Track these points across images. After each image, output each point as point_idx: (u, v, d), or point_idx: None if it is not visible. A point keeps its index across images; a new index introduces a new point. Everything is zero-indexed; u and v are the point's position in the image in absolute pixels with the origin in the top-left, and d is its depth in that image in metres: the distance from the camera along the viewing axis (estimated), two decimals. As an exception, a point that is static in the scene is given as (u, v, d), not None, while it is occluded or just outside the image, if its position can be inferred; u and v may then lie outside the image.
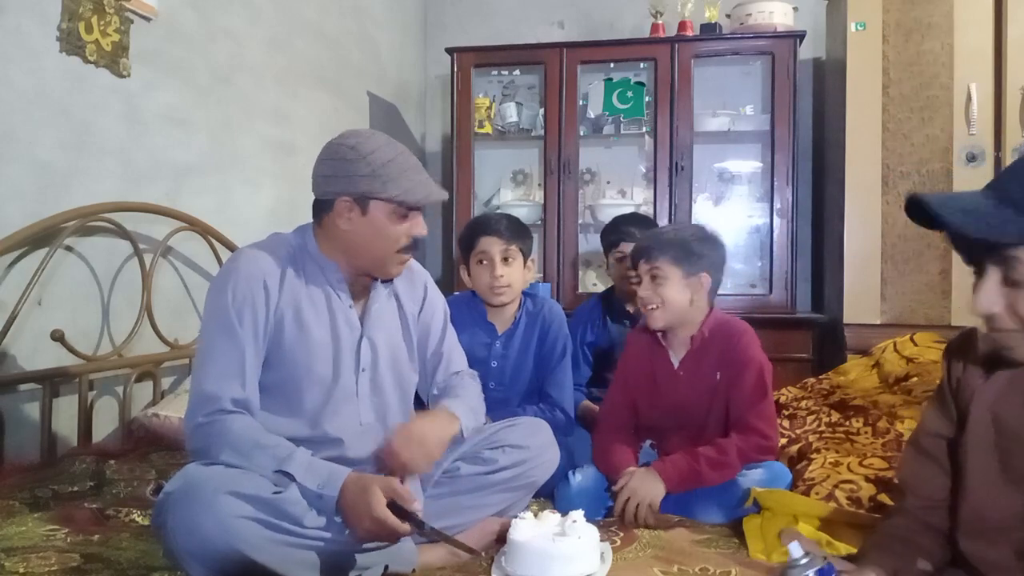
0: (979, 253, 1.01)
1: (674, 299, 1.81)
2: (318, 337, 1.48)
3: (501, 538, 1.52)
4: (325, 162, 1.47)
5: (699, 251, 1.83)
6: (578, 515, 1.36)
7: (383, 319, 1.59)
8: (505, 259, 2.09)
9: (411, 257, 1.56)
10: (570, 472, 1.85)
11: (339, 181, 1.44)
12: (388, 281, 1.61)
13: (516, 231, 2.12)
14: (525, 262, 2.14)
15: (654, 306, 1.82)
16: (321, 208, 1.50)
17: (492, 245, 2.09)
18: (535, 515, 1.40)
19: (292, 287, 1.48)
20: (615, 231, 2.53)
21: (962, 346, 1.17)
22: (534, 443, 1.67)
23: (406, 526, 1.30)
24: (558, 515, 1.39)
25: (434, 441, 1.48)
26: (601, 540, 1.42)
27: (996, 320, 1.01)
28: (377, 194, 1.43)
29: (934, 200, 1.00)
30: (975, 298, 1.01)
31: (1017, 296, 0.98)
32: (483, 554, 1.48)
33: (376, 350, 1.56)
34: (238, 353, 1.41)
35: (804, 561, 1.12)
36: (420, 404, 1.75)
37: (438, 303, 1.73)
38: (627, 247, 2.46)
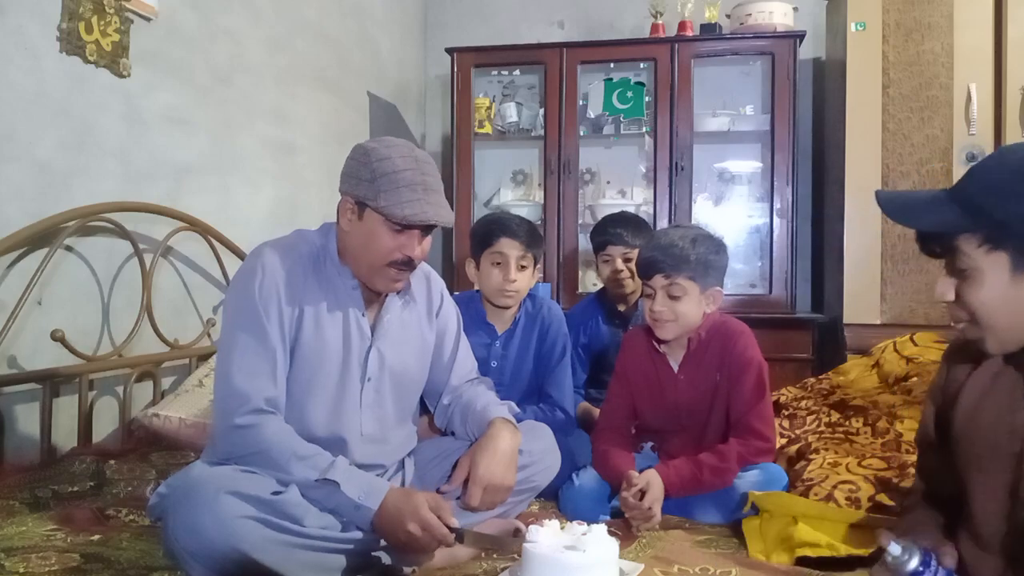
0: (935, 246, 1.08)
1: (689, 313, 1.79)
2: (331, 342, 1.48)
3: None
4: (347, 159, 1.49)
5: (716, 264, 1.80)
6: (600, 528, 1.29)
7: (395, 330, 1.58)
8: (521, 266, 2.08)
9: (406, 276, 1.52)
10: (573, 474, 1.84)
11: (348, 180, 1.46)
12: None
13: (535, 238, 2.11)
14: (534, 269, 2.13)
15: (668, 320, 1.79)
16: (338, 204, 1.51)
17: (511, 249, 2.06)
18: (561, 526, 1.32)
19: (311, 287, 1.48)
20: (603, 233, 2.50)
21: (956, 347, 1.18)
22: (536, 448, 1.66)
23: (449, 534, 1.31)
24: (576, 525, 1.34)
25: (512, 455, 1.55)
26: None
27: (952, 310, 1.06)
28: (369, 201, 1.42)
29: (884, 195, 1.08)
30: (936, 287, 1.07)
31: (963, 285, 1.03)
32: (525, 530, 1.43)
33: (384, 361, 1.55)
34: (268, 350, 1.41)
35: (905, 556, 1.09)
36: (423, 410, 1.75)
37: (452, 312, 1.73)
38: (615, 250, 2.43)
